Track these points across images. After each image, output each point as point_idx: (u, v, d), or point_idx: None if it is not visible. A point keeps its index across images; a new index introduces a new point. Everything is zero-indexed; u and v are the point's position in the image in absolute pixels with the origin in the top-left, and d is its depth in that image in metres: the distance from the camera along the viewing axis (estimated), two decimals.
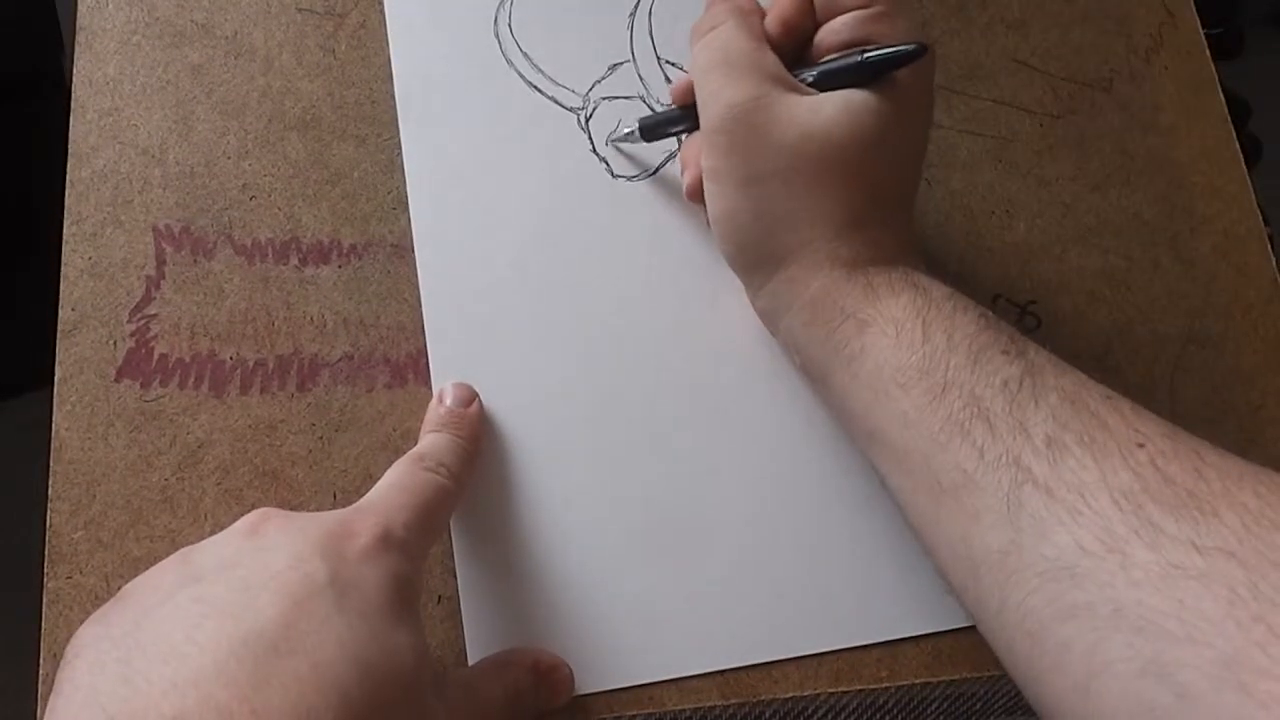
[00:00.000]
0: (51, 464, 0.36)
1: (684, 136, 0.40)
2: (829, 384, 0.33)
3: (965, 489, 0.27)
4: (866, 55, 0.31)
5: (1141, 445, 0.25)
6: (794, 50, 0.34)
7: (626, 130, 0.40)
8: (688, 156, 0.37)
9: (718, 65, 0.33)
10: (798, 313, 0.33)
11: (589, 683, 0.35)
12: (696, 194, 0.35)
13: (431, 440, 0.35)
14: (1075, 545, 0.24)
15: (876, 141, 0.32)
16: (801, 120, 0.31)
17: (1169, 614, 0.22)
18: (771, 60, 0.33)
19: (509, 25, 0.42)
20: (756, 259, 0.34)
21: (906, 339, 0.30)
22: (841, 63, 0.32)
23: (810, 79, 0.33)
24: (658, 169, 0.41)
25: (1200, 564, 0.22)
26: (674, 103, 0.38)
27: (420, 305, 0.39)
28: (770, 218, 0.33)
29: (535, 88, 0.42)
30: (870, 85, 0.32)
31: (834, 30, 0.33)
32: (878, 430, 0.30)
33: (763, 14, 0.34)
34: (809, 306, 0.33)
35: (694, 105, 0.34)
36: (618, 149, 0.41)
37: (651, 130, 0.39)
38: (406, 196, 0.40)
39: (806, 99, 0.32)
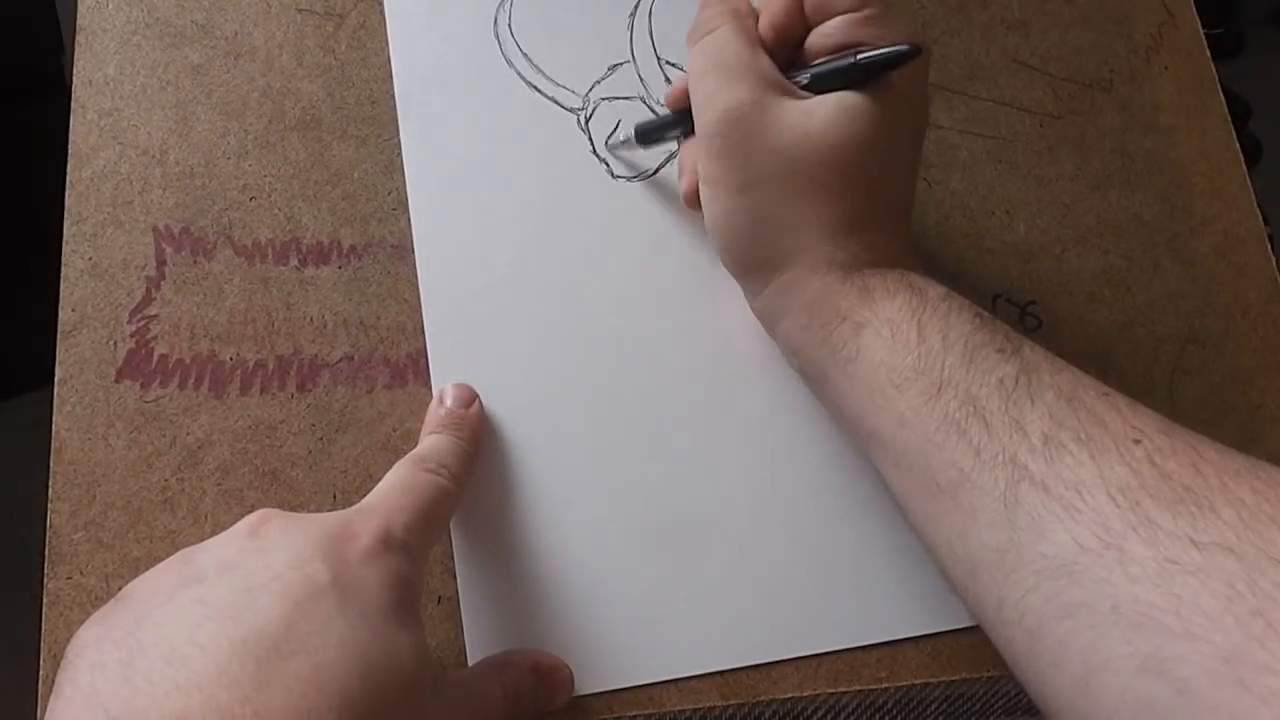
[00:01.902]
0: (52, 464, 0.36)
1: (680, 141, 0.40)
2: (826, 386, 0.33)
3: (962, 488, 0.27)
4: (860, 57, 0.31)
5: (1138, 441, 0.25)
6: (786, 54, 0.34)
7: (623, 137, 0.40)
8: (685, 162, 0.37)
9: (713, 69, 0.33)
10: (795, 316, 0.33)
11: (589, 683, 0.35)
12: (694, 200, 0.35)
13: (432, 441, 0.35)
14: (1073, 542, 0.24)
15: (871, 144, 0.32)
16: (796, 124, 0.32)
17: (1167, 610, 0.22)
18: (766, 64, 0.33)
19: (509, 26, 0.42)
20: (753, 264, 0.34)
21: (902, 340, 0.30)
22: (835, 64, 0.32)
23: (804, 81, 0.33)
24: (658, 170, 0.41)
25: (1198, 559, 0.22)
26: (669, 107, 0.38)
27: (420, 305, 0.39)
28: (767, 223, 0.33)
29: (535, 88, 0.42)
30: (864, 87, 0.32)
31: (825, 34, 0.33)
32: (875, 431, 0.31)
33: (757, 17, 0.34)
34: (805, 310, 0.33)
35: (690, 109, 0.34)
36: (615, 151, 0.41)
37: (647, 135, 0.39)
38: (406, 197, 0.40)
39: (801, 102, 0.32)
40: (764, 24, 0.34)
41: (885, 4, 0.33)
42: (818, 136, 0.31)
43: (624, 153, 0.41)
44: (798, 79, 0.33)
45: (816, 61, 0.33)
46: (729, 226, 0.33)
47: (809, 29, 0.34)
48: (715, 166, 0.33)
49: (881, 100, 0.32)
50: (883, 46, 0.31)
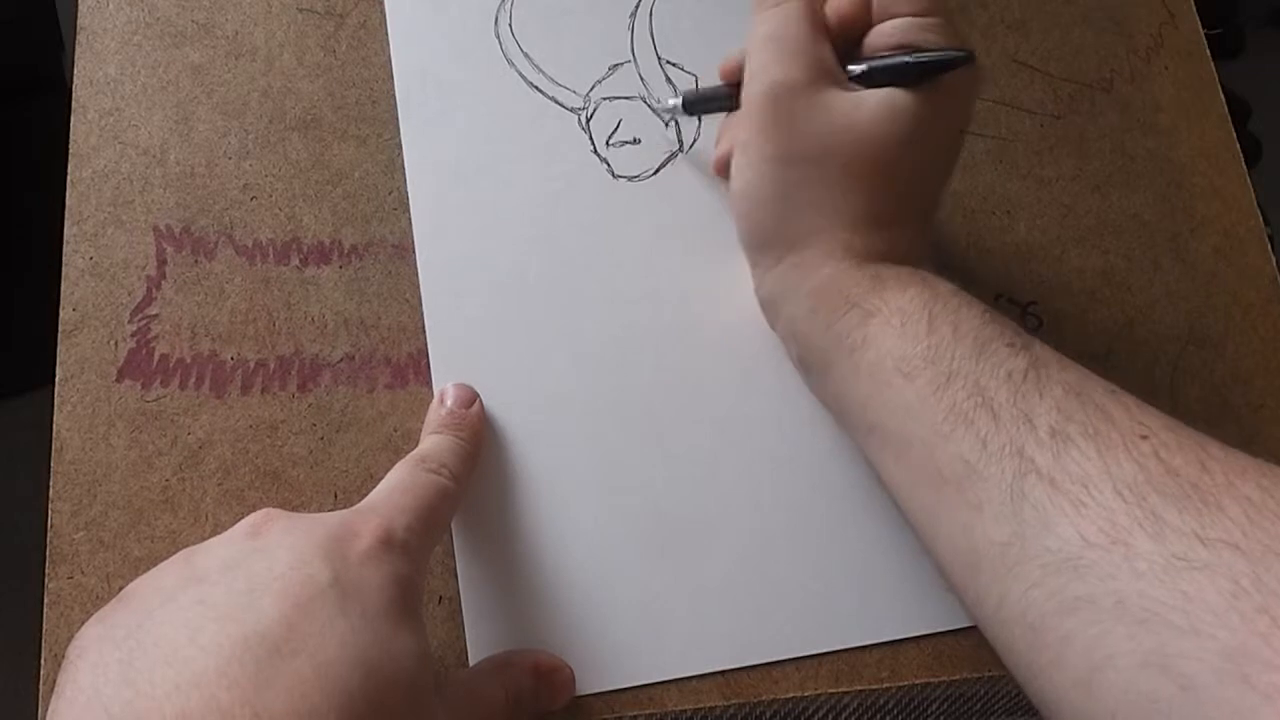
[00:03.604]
0: (52, 464, 0.36)
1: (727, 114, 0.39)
2: (829, 375, 0.33)
3: (967, 479, 0.27)
4: (915, 57, 0.32)
5: (1145, 437, 0.25)
6: (845, 47, 0.34)
7: (672, 102, 0.40)
8: (725, 130, 0.38)
9: (773, 41, 0.33)
10: (801, 300, 0.33)
11: (589, 683, 0.35)
12: (723, 168, 0.36)
13: (433, 442, 0.35)
14: (1078, 537, 0.24)
15: (911, 143, 0.32)
16: (842, 112, 0.32)
17: (1172, 606, 0.22)
18: (826, 51, 0.33)
19: (509, 25, 0.42)
20: (769, 239, 0.34)
21: (912, 329, 0.30)
22: (890, 61, 0.33)
23: (858, 73, 0.33)
24: (658, 169, 0.41)
25: (1204, 555, 0.22)
26: (722, 78, 0.38)
27: (421, 305, 0.39)
28: (792, 199, 0.33)
29: (535, 88, 0.42)
30: (914, 87, 0.32)
31: (884, 33, 0.33)
32: (878, 422, 0.30)
33: (825, 3, 0.34)
34: (813, 294, 0.33)
35: (739, 84, 0.34)
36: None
37: (694, 104, 0.39)
38: (407, 196, 0.40)
39: (850, 94, 0.32)
40: (829, 10, 0.34)
41: (947, 12, 0.33)
42: (860, 129, 0.32)
43: (629, 147, 0.41)
44: (852, 70, 0.33)
45: (871, 56, 0.33)
46: (754, 195, 0.34)
47: (870, 25, 0.34)
48: (755, 135, 0.33)
49: (928, 102, 0.32)
50: (938, 50, 0.32)
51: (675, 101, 0.39)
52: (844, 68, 0.33)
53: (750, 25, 0.34)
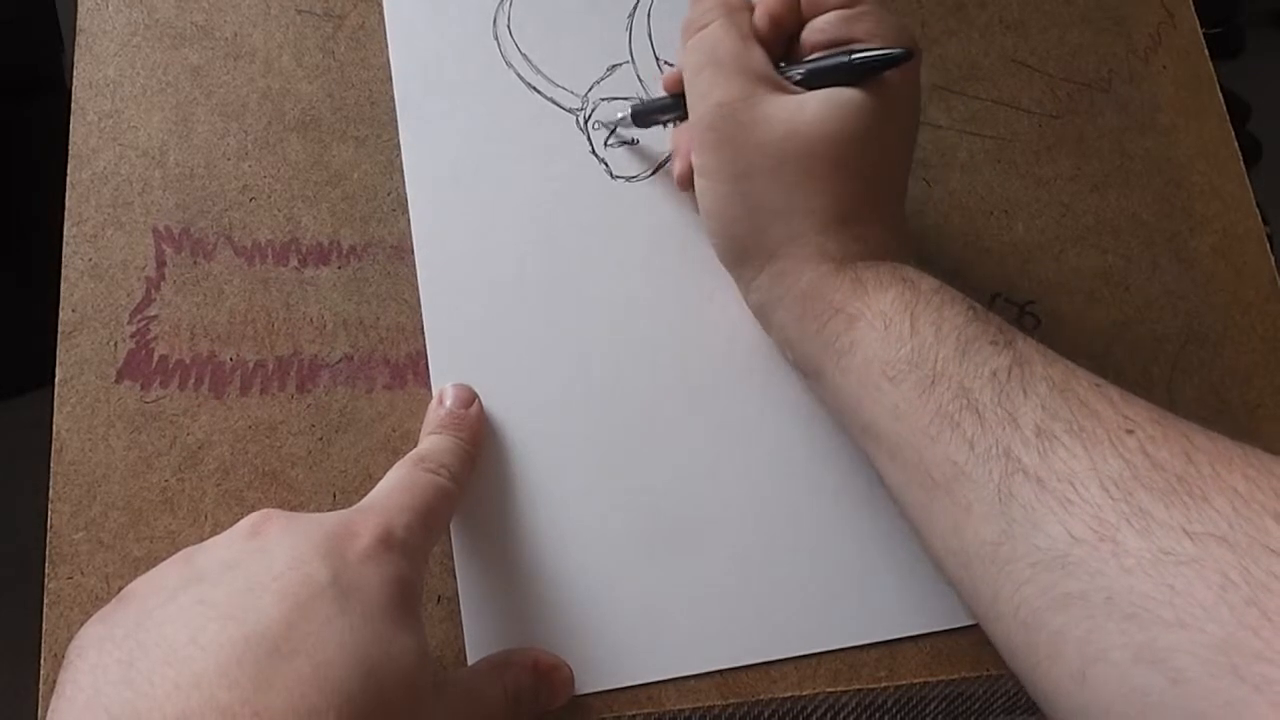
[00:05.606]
0: (52, 465, 0.36)
1: (675, 124, 0.40)
2: (821, 379, 0.33)
3: (956, 481, 0.27)
4: (855, 56, 0.32)
5: (1130, 432, 0.25)
6: (780, 47, 0.34)
7: (620, 115, 0.40)
8: (678, 144, 0.38)
9: (706, 65, 0.33)
10: (788, 308, 0.33)
11: (589, 683, 0.35)
12: (686, 183, 0.36)
13: (432, 442, 0.35)
14: (1067, 534, 0.24)
15: (862, 137, 0.32)
16: (787, 117, 0.32)
17: (1161, 600, 0.22)
18: (759, 59, 0.33)
19: (508, 26, 0.42)
20: (746, 253, 0.34)
21: (895, 333, 0.30)
22: (829, 62, 0.33)
23: (798, 77, 0.33)
24: (657, 169, 0.41)
25: (1191, 549, 0.22)
26: (666, 90, 0.39)
27: (420, 306, 0.39)
28: (759, 212, 0.33)
29: (534, 89, 0.42)
30: (857, 84, 0.32)
31: (818, 29, 0.33)
32: (870, 424, 0.31)
33: (751, 10, 0.34)
34: (799, 301, 0.33)
35: (684, 95, 0.35)
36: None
37: (643, 116, 0.39)
38: (406, 197, 0.40)
39: (792, 97, 0.32)
40: (759, 15, 0.34)
41: (877, 1, 0.33)
42: (807, 130, 0.32)
43: (628, 147, 0.41)
44: (791, 74, 0.33)
45: (810, 57, 0.34)
46: (722, 214, 0.34)
47: (804, 22, 0.34)
48: (709, 158, 0.33)
49: (873, 95, 0.32)
50: (876, 46, 0.32)
51: (624, 114, 0.40)
52: (782, 70, 0.33)
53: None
